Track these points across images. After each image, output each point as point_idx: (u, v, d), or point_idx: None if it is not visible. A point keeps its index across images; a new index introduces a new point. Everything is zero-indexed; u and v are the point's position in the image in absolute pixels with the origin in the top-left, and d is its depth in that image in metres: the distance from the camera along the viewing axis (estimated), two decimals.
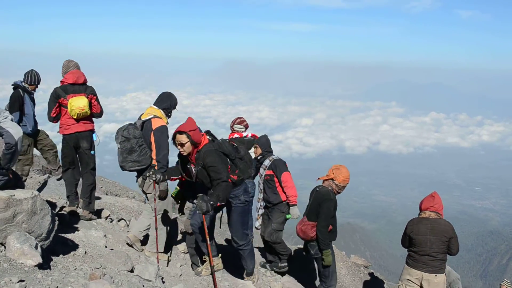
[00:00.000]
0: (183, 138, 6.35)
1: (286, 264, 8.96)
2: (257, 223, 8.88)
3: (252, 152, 8.53)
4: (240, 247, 7.20)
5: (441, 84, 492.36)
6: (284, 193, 8.48)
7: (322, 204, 7.20)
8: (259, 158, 8.64)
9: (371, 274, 11.91)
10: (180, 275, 6.96)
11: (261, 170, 8.63)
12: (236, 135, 8.86)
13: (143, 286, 5.63)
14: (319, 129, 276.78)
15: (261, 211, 8.84)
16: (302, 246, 11.28)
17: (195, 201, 6.27)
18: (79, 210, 8.38)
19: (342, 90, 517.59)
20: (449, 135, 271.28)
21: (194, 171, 6.62)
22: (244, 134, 8.82)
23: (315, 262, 8.07)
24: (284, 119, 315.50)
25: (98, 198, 9.70)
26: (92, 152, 8.13)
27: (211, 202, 6.08)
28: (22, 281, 4.69)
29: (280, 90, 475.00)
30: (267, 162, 8.57)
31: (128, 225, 9.00)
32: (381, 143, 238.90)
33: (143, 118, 7.35)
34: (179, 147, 6.45)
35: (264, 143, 8.61)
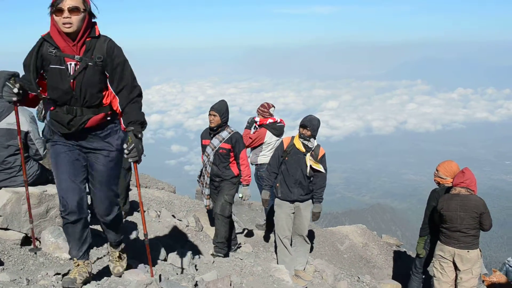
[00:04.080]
0: (79, 2, 3.89)
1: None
2: (206, 202, 7.99)
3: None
4: (107, 222, 4.87)
5: (466, 58, 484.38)
6: (239, 169, 7.73)
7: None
8: (215, 128, 7.64)
9: (403, 253, 11.89)
10: (213, 262, 7.00)
11: (215, 141, 7.67)
12: (270, 120, 9.00)
13: (177, 273, 5.70)
14: (345, 111, 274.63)
15: (208, 190, 7.92)
16: (332, 228, 11.31)
17: (125, 147, 4.15)
18: None
19: (366, 70, 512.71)
20: (478, 110, 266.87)
21: (74, 69, 4.03)
22: (271, 119, 9.00)
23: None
24: (309, 103, 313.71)
25: (129, 190, 9.81)
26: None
27: (140, 136, 4.22)
28: (59, 274, 4.78)
29: (304, 74, 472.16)
30: (225, 134, 7.62)
31: (159, 216, 9.10)
32: (409, 122, 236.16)
33: None
34: (65, 14, 3.82)
35: (225, 112, 7.59)
